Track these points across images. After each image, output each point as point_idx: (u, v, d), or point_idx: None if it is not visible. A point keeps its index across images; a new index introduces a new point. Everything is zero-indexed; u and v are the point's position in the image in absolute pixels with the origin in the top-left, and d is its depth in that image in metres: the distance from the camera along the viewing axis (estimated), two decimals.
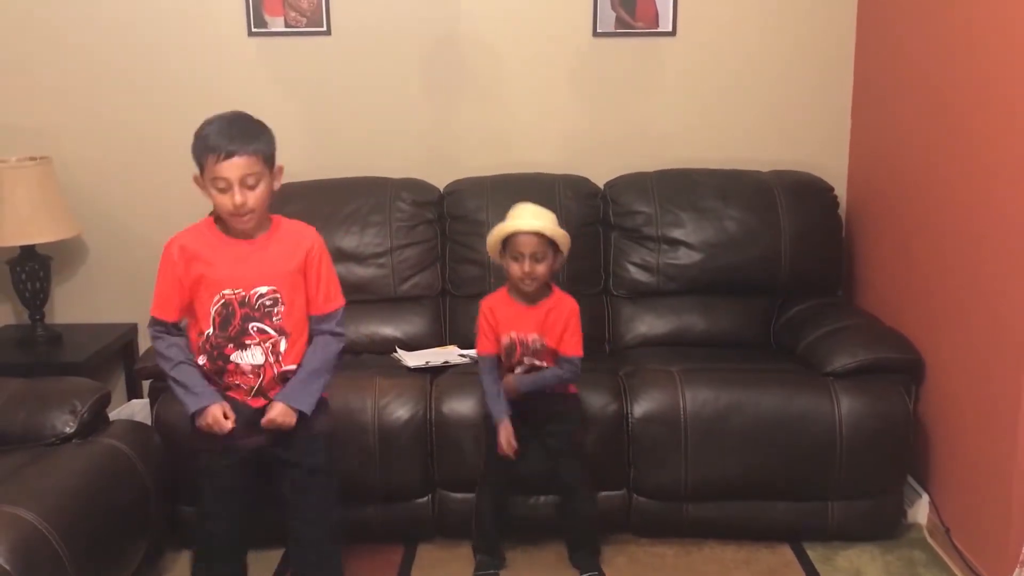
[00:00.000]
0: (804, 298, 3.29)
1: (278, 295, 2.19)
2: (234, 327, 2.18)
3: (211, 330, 2.19)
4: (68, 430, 2.46)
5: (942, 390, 2.83)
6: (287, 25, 3.46)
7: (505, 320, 2.59)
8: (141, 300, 3.55)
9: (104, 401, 2.60)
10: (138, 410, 3.29)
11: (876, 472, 2.79)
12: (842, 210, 3.45)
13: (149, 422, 2.78)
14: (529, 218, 2.53)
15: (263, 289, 2.18)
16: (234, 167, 2.09)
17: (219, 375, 2.23)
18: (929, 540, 2.88)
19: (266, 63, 3.49)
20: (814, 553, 2.81)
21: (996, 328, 2.52)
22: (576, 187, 3.38)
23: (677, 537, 2.87)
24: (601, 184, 3.44)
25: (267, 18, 3.45)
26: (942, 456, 2.85)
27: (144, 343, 3.32)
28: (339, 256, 3.12)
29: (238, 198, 2.10)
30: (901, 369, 2.86)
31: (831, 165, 3.52)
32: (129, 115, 3.51)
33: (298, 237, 2.26)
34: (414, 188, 3.36)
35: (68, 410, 2.49)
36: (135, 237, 3.57)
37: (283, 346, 2.21)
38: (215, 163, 2.08)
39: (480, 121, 3.54)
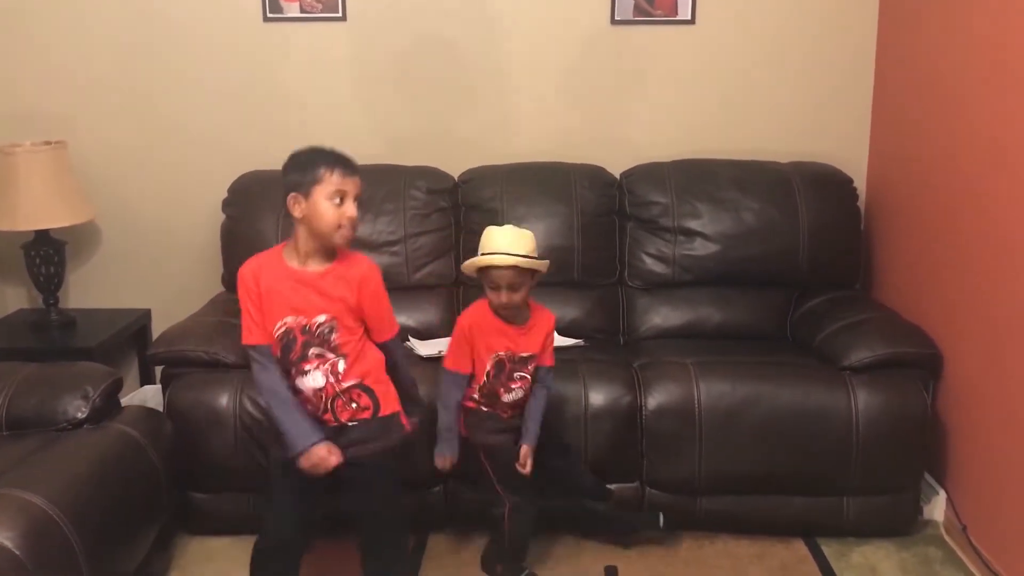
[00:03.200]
0: (821, 291, 3.26)
1: (335, 322, 2.25)
2: (295, 353, 2.24)
3: (279, 355, 2.24)
4: (80, 415, 2.45)
5: (960, 385, 2.80)
6: (303, 11, 3.45)
7: (489, 338, 2.51)
8: (155, 285, 3.60)
9: (116, 387, 2.60)
10: (150, 396, 3.29)
11: (893, 468, 2.76)
12: (861, 202, 3.41)
13: (161, 408, 2.77)
14: (505, 249, 2.43)
15: (321, 318, 2.24)
16: (355, 183, 2.21)
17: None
18: (946, 537, 2.85)
19: (281, 49, 3.48)
20: (829, 549, 2.79)
21: (1016, 323, 2.49)
22: (592, 176, 3.36)
23: (690, 530, 2.85)
24: (617, 174, 3.41)
25: (283, 3, 3.44)
26: (960, 452, 2.82)
27: (158, 328, 3.33)
28: (352, 244, 3.11)
29: (352, 211, 2.19)
30: (919, 364, 2.82)
31: (851, 157, 3.48)
32: (144, 100, 3.50)
33: (356, 268, 2.31)
34: (428, 176, 3.34)
35: (80, 395, 2.48)
36: (150, 222, 3.57)
37: (342, 366, 2.26)
38: (340, 176, 2.18)
39: (496, 109, 3.52)
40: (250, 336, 2.24)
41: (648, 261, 3.30)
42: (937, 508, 2.91)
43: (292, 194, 2.20)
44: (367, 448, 2.27)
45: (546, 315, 2.59)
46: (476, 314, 2.53)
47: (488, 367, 2.51)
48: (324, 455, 2.19)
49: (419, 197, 3.29)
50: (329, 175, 2.18)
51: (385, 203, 3.26)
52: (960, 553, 2.76)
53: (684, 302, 3.29)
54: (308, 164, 2.20)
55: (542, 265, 2.48)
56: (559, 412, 2.72)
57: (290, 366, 2.24)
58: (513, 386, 2.53)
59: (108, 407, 2.55)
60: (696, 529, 2.85)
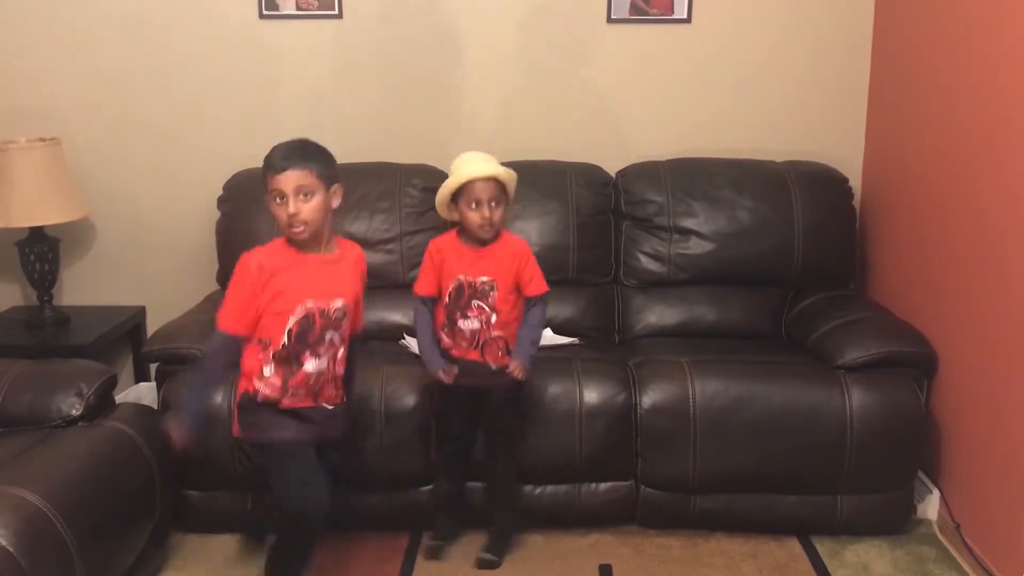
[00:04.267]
0: (816, 290, 3.26)
1: (346, 309, 2.34)
2: (314, 336, 2.29)
3: (286, 340, 2.27)
4: (74, 413, 2.45)
5: (955, 384, 2.80)
6: (298, 8, 3.44)
7: (454, 263, 2.55)
8: (150, 283, 3.59)
9: (110, 384, 2.60)
10: (145, 393, 3.28)
11: (886, 466, 2.76)
12: (856, 202, 3.41)
13: (155, 406, 2.77)
14: (481, 164, 2.52)
15: (339, 303, 2.32)
16: (287, 179, 2.23)
17: (285, 383, 2.29)
18: (939, 536, 2.85)
19: (277, 47, 3.47)
20: (822, 547, 2.79)
21: (1010, 322, 2.49)
22: (588, 175, 3.36)
23: (684, 529, 2.86)
24: (613, 172, 3.41)
25: (279, 1, 3.43)
26: (954, 451, 2.82)
27: (153, 325, 3.32)
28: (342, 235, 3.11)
29: (291, 208, 2.22)
30: (913, 363, 2.83)
31: (846, 156, 3.48)
32: (138, 97, 3.49)
33: (354, 255, 2.43)
34: (424, 174, 3.34)
35: (74, 393, 2.48)
36: (144, 220, 3.56)
37: (341, 353, 2.36)
38: (272, 177, 2.24)
39: (490, 107, 3.52)
40: (229, 322, 2.29)
41: (643, 260, 3.30)
42: (931, 507, 2.92)
43: (265, 196, 2.29)
44: (338, 432, 2.40)
45: (518, 242, 2.62)
46: (444, 239, 2.61)
47: (449, 289, 2.56)
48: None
49: (414, 195, 3.29)
50: (268, 177, 2.25)
51: (380, 201, 3.26)
52: (953, 551, 2.76)
53: (679, 301, 3.29)
54: (262, 169, 2.28)
55: (513, 179, 2.56)
56: (554, 410, 2.73)
57: (305, 349, 2.28)
58: (470, 314, 2.55)
59: (102, 404, 2.54)
60: (690, 527, 2.86)
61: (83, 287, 3.61)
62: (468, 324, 2.56)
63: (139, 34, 3.45)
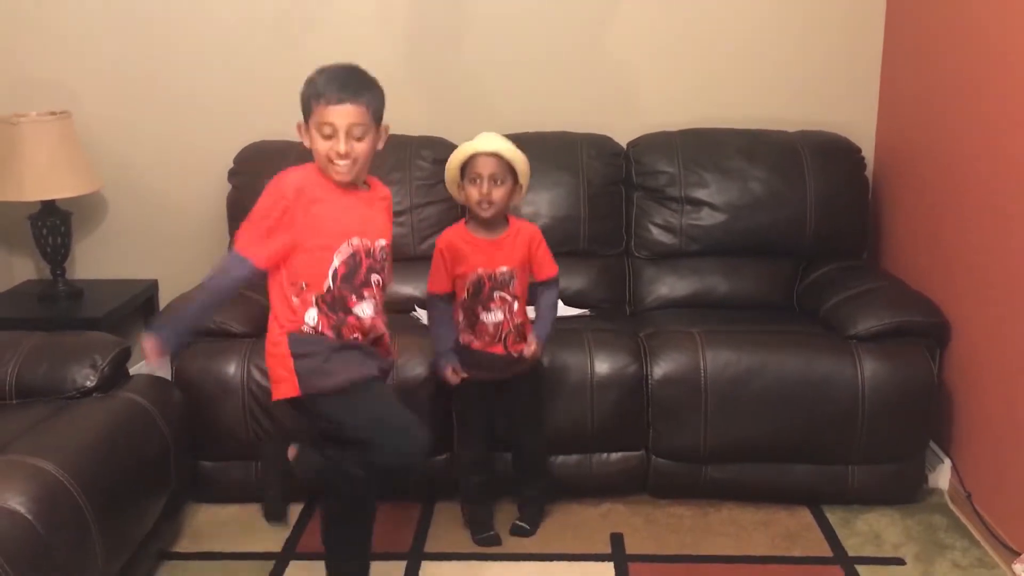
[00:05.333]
0: (828, 260, 3.25)
1: (388, 248, 2.19)
2: (360, 278, 2.11)
3: (330, 282, 2.08)
4: (88, 384, 2.46)
5: (967, 354, 2.79)
6: None
7: (470, 256, 2.49)
8: (162, 256, 3.60)
9: (124, 356, 2.61)
10: (158, 366, 3.29)
11: (898, 436, 2.76)
12: (869, 172, 3.39)
13: (169, 377, 2.78)
14: (487, 139, 2.46)
15: (382, 242, 2.16)
16: (341, 114, 2.05)
17: (338, 330, 2.10)
18: (950, 505, 2.86)
19: (288, 17, 3.45)
20: (833, 516, 2.80)
21: (1023, 292, 2.48)
22: (599, 146, 3.34)
23: (695, 498, 2.87)
24: (624, 143, 3.40)
25: None
26: (965, 421, 2.82)
27: (165, 298, 3.34)
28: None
29: (343, 147, 2.05)
30: (926, 333, 2.82)
31: (859, 126, 3.46)
32: (150, 69, 3.49)
33: (385, 194, 2.28)
34: (434, 146, 3.33)
35: (88, 364, 2.49)
36: (156, 193, 3.57)
37: (379, 300, 2.18)
38: (324, 107, 2.04)
39: (500, 79, 3.50)
40: (251, 247, 2.07)
41: (655, 231, 3.29)
42: (942, 476, 2.92)
43: (299, 122, 2.12)
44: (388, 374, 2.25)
45: (527, 226, 2.57)
46: (451, 234, 2.54)
47: (467, 284, 2.50)
48: None
49: (425, 167, 3.29)
50: (316, 105, 2.05)
51: (391, 173, 3.25)
52: (965, 520, 2.77)
53: (691, 272, 3.29)
54: (306, 90, 2.09)
55: (524, 163, 2.48)
56: (565, 381, 2.73)
57: (351, 292, 2.10)
58: (492, 306, 2.50)
59: (116, 376, 2.56)
60: (701, 497, 2.87)
61: (96, 260, 3.63)
62: (491, 317, 2.51)
63: (149, 7, 3.44)
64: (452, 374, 2.53)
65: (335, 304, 2.09)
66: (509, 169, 2.46)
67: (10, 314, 3.28)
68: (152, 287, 3.57)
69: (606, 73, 3.50)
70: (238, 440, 2.74)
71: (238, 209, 3.26)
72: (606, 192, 3.29)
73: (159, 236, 3.61)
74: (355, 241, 2.10)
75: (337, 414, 2.12)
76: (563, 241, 3.14)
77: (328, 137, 2.06)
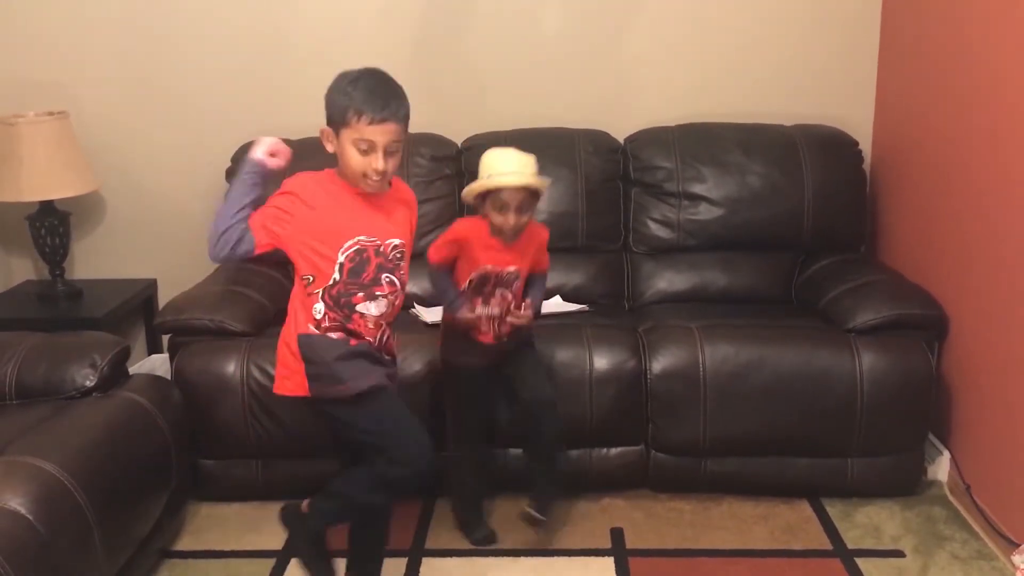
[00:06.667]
0: (827, 254, 3.26)
1: (404, 250, 2.17)
2: (368, 275, 2.11)
3: (338, 276, 2.09)
4: (88, 384, 2.47)
5: (965, 347, 2.80)
6: None
7: (480, 253, 2.46)
8: (160, 255, 3.61)
9: (123, 355, 2.61)
10: (158, 365, 3.31)
11: (897, 429, 2.77)
12: (867, 165, 3.40)
13: (169, 377, 2.79)
14: (516, 170, 2.38)
15: (395, 241, 2.15)
16: (384, 132, 2.02)
17: (343, 324, 2.11)
18: (949, 497, 2.86)
19: (284, 14, 3.45)
20: (833, 509, 2.81)
21: (1021, 284, 2.48)
22: (596, 142, 3.35)
23: (695, 492, 2.87)
24: (622, 139, 3.40)
25: None
26: (964, 413, 2.82)
27: (164, 298, 3.34)
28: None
29: (380, 164, 2.03)
30: (924, 325, 2.83)
31: (856, 120, 3.46)
32: (146, 69, 3.49)
33: (407, 196, 2.26)
34: (432, 143, 3.34)
35: (88, 364, 2.49)
36: (154, 192, 3.57)
37: (398, 302, 2.19)
38: (365, 124, 2.01)
39: (498, 76, 3.50)
40: (255, 219, 2.05)
41: (653, 226, 3.29)
42: (941, 468, 2.92)
43: (324, 128, 2.09)
44: (395, 380, 2.25)
45: (539, 231, 2.56)
46: (470, 230, 2.47)
47: (472, 276, 2.48)
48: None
49: (423, 164, 3.29)
50: (356, 120, 2.01)
51: None
52: (964, 512, 2.77)
53: (689, 267, 3.29)
54: (341, 101, 2.03)
55: (545, 185, 2.44)
56: (564, 376, 2.74)
57: (358, 289, 2.10)
58: (492, 301, 2.49)
59: (116, 375, 2.56)
60: (701, 491, 2.87)
61: (94, 260, 3.63)
62: (488, 310, 2.51)
63: (146, 6, 3.44)
64: (470, 310, 2.48)
65: (339, 299, 2.10)
66: (534, 194, 2.43)
67: (9, 314, 3.28)
68: (151, 286, 3.57)
69: (603, 69, 3.50)
70: (238, 438, 2.74)
71: None
72: (604, 188, 3.30)
73: (158, 235, 3.61)
74: (362, 238, 2.10)
75: (346, 418, 2.16)
76: (561, 237, 3.14)
77: (364, 152, 2.04)
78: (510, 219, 2.39)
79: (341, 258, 2.09)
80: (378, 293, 2.13)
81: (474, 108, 3.49)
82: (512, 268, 2.49)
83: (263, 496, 2.84)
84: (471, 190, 2.42)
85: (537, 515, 2.61)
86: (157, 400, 2.53)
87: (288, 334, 2.17)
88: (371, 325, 2.14)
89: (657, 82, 3.51)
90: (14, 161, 3.17)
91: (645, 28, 3.47)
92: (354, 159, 2.04)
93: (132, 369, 2.71)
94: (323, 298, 2.11)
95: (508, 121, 3.40)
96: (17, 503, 1.91)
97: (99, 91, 3.50)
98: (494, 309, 2.51)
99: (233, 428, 2.73)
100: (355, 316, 2.12)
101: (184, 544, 2.69)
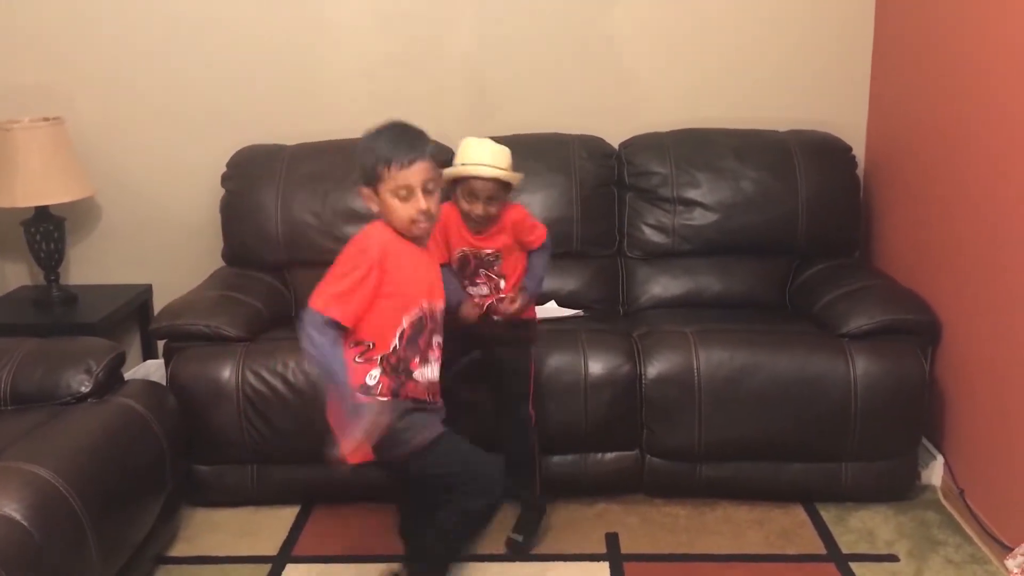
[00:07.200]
0: (821, 259, 3.26)
1: (442, 314, 2.20)
2: (424, 340, 2.13)
3: (396, 343, 2.08)
4: (83, 389, 2.47)
5: (959, 352, 2.81)
6: None
7: (455, 238, 2.49)
8: (155, 261, 3.61)
9: (119, 361, 2.61)
10: (153, 370, 3.30)
11: (891, 433, 2.77)
12: (860, 170, 3.40)
13: (164, 382, 2.79)
14: (488, 161, 2.39)
15: (441, 304, 2.19)
16: (417, 172, 2.06)
17: (396, 393, 2.09)
18: (943, 502, 2.87)
19: (281, 19, 3.46)
20: (827, 514, 2.81)
21: (1014, 290, 2.49)
22: (591, 147, 3.35)
23: (690, 497, 2.88)
24: (616, 144, 3.41)
25: None
26: (957, 418, 2.83)
27: (159, 303, 3.33)
28: (351, 217, 3.12)
29: (423, 204, 2.05)
30: (917, 330, 2.83)
31: (850, 125, 3.47)
32: (142, 75, 3.49)
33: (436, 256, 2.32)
34: None
35: (83, 369, 2.49)
36: (149, 198, 3.57)
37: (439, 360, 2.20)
38: (397, 171, 2.05)
39: (493, 81, 3.50)
40: (347, 313, 2.00)
41: (647, 231, 3.30)
42: (935, 473, 2.93)
43: (363, 188, 2.11)
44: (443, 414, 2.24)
45: (512, 210, 2.51)
46: (447, 212, 2.46)
47: (455, 258, 2.52)
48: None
49: None
50: (387, 171, 2.05)
51: None
52: (957, 517, 2.78)
53: (683, 272, 3.30)
54: (369, 159, 2.08)
55: (518, 179, 2.46)
56: (559, 381, 2.74)
57: (415, 355, 2.11)
58: (478, 281, 2.53)
59: (111, 381, 2.56)
60: (696, 496, 2.88)
61: (90, 266, 3.63)
62: (477, 290, 2.55)
63: (140, 11, 3.44)
64: (473, 307, 2.50)
65: (398, 366, 2.10)
66: (505, 186, 2.44)
67: (4, 320, 3.28)
68: (146, 292, 3.57)
69: (598, 75, 3.50)
70: (233, 443, 2.74)
71: (231, 213, 3.28)
72: (598, 193, 3.30)
73: (153, 241, 3.61)
74: (424, 304, 2.13)
75: (414, 470, 2.16)
76: (556, 242, 3.08)
77: (405, 199, 2.06)
78: (477, 208, 2.41)
79: (405, 323, 2.09)
80: (431, 357, 2.15)
81: (470, 113, 3.50)
82: (489, 250, 2.51)
83: (258, 501, 2.84)
84: (445, 174, 2.43)
85: (521, 541, 2.63)
86: (152, 406, 2.53)
87: (335, 400, 2.08)
88: (425, 387, 2.15)
89: (651, 88, 3.51)
90: (9, 167, 3.17)
91: (640, 35, 3.47)
92: (398, 208, 2.07)
93: (127, 375, 2.71)
94: (381, 364, 2.08)
95: (503, 126, 3.39)
96: (12, 509, 1.91)
97: (94, 97, 3.50)
98: (482, 289, 2.54)
99: (228, 433, 2.73)
100: (410, 383, 2.11)
101: (179, 550, 2.68)
